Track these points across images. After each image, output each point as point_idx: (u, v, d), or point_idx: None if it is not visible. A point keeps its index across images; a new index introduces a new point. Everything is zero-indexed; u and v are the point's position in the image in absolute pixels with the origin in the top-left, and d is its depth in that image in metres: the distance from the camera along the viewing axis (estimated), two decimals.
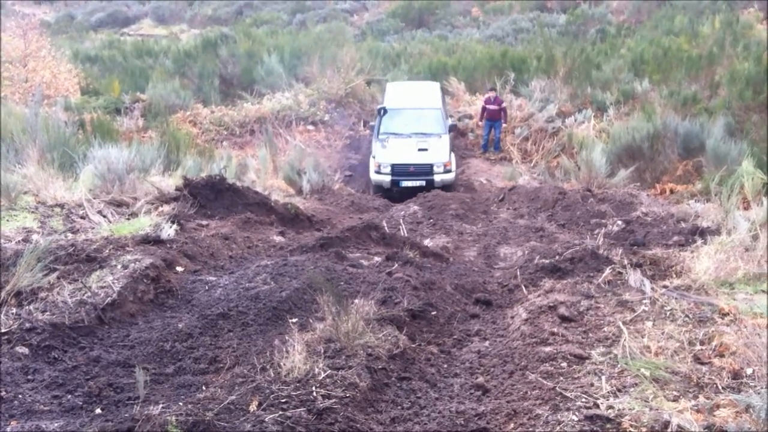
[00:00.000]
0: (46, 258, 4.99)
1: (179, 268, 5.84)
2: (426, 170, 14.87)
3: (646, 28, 23.02)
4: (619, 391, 3.55)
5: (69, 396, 3.54)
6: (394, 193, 14.81)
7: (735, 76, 14.48)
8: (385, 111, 15.74)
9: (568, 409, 3.35)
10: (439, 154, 15.04)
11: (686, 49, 17.61)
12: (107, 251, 5.62)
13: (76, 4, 41.23)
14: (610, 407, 3.35)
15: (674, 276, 5.54)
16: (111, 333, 4.47)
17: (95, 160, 8.43)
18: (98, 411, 3.40)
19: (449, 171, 15.00)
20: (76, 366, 3.91)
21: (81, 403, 3.48)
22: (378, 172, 14.87)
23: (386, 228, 8.23)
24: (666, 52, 17.65)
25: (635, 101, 16.18)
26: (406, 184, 14.73)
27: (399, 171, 14.85)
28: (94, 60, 23.13)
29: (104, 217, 7.19)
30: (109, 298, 4.73)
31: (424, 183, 14.49)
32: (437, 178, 14.70)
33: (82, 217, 7.02)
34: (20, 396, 3.46)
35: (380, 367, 3.97)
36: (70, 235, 6.26)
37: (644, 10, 25.98)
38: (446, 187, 14.55)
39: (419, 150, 15.16)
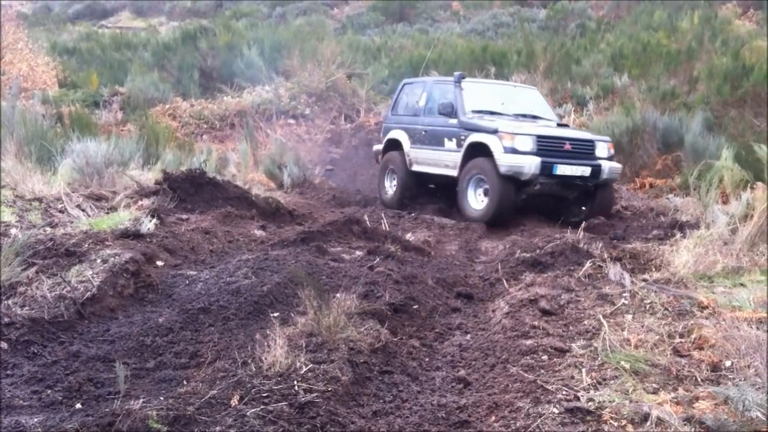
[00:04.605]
0: (24, 252, 4.94)
1: (159, 263, 5.81)
2: (587, 149, 9.50)
3: (625, 23, 23.09)
4: (600, 383, 3.58)
5: (49, 391, 3.51)
6: (536, 194, 9.51)
7: (713, 72, 14.57)
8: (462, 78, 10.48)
9: (548, 402, 3.37)
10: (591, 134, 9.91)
11: (665, 45, 17.69)
12: (86, 245, 5.58)
13: None
14: (591, 400, 3.38)
15: (654, 269, 5.59)
16: (91, 328, 4.44)
17: (74, 154, 8.38)
18: (78, 406, 3.38)
19: (613, 157, 9.83)
20: (56, 361, 3.88)
21: (61, 398, 3.45)
22: (513, 151, 9.04)
23: (368, 222, 8.23)
24: (645, 47, 17.73)
25: (615, 96, 16.24)
26: (563, 171, 9.20)
27: (549, 148, 9.27)
28: (72, 52, 22.83)
29: (83, 211, 7.13)
30: (88, 293, 4.70)
31: (588, 173, 9.26)
32: (605, 166, 9.38)
33: (61, 211, 6.95)
34: None
35: (362, 360, 3.97)
36: (48, 230, 6.19)
37: (624, 6, 26.07)
38: (608, 190, 9.67)
39: (559, 125, 10.11)
